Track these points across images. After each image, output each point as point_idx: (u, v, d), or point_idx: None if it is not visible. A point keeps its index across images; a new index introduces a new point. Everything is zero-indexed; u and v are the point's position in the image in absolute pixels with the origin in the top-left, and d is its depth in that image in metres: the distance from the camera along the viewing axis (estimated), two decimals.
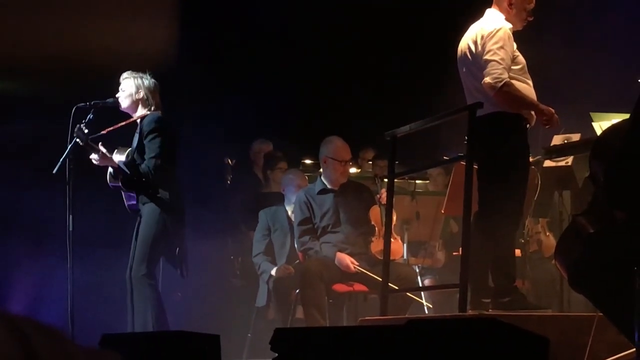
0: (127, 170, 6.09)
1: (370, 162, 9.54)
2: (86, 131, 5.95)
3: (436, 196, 7.75)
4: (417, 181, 8.16)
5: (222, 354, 3.41)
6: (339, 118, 9.36)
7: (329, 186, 7.18)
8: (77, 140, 5.92)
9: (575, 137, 6.10)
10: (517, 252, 6.43)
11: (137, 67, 6.35)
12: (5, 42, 7.95)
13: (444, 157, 7.60)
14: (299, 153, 9.51)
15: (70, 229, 5.95)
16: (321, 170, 7.34)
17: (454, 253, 7.57)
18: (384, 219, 6.30)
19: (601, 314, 3.98)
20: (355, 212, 7.10)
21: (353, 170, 8.70)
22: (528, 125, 5.48)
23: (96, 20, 8.28)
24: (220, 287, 8.37)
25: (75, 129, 5.93)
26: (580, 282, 3.91)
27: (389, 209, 5.97)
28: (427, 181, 8.64)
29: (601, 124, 5.62)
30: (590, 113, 5.69)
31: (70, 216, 5.96)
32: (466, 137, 5.27)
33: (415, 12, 9.64)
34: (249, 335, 7.69)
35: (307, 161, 9.45)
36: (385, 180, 6.32)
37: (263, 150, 9.00)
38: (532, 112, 5.44)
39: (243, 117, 8.35)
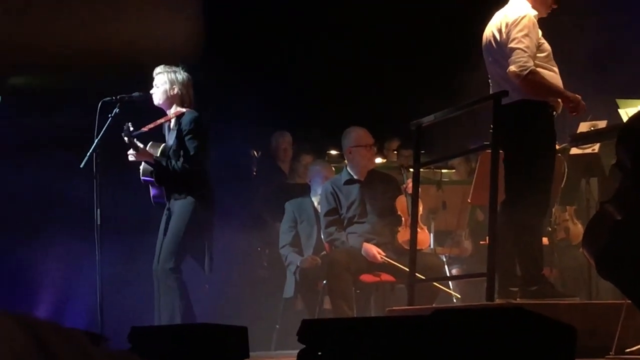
0: (166, 167, 6.09)
1: (396, 152, 9.52)
2: (132, 129, 5.95)
3: (462, 185, 7.73)
4: (443, 170, 8.14)
5: (250, 346, 3.42)
6: (364, 108, 9.35)
7: (355, 177, 7.18)
8: (125, 138, 5.93)
9: (602, 124, 6.07)
10: (545, 240, 6.41)
11: (163, 61, 6.35)
12: (32, 36, 7.99)
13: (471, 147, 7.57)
14: (324, 144, 9.50)
15: (99, 222, 5.99)
16: (346, 161, 7.35)
17: (481, 242, 7.55)
18: (410, 209, 6.30)
19: (629, 301, 3.97)
20: (381, 202, 7.10)
21: (379, 160, 8.68)
22: (555, 113, 5.44)
23: (122, 14, 8.31)
24: (248, 278, 8.38)
25: (124, 128, 5.94)
26: (608, 270, 3.90)
27: (414, 198, 5.96)
28: (453, 170, 8.61)
29: (627, 111, 5.59)
30: (617, 99, 5.65)
31: (98, 210, 5.99)
32: (491, 126, 5.26)
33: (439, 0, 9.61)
34: (277, 326, 7.71)
35: (333, 152, 9.43)
36: (411, 170, 6.31)
37: (281, 142, 9.00)
38: (559, 100, 5.41)
39: (268, 109, 8.35)
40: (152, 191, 6.38)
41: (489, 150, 5.39)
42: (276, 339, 7.66)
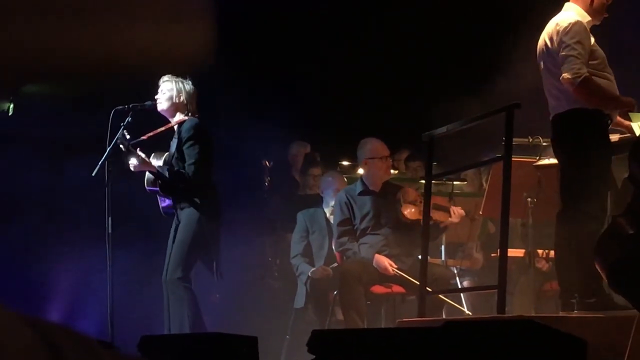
0: (167, 175, 6.12)
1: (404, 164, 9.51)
2: (128, 137, 5.99)
3: (473, 197, 7.72)
4: (455, 182, 8.13)
5: (260, 356, 3.42)
6: (376, 119, 9.35)
7: (370, 188, 7.19)
8: (120, 145, 5.96)
9: (614, 137, 6.04)
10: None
11: (175, 70, 6.38)
12: (43, 45, 8.02)
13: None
14: (336, 154, 9.51)
15: (109, 230, 6.00)
16: (361, 172, 7.35)
17: (492, 254, 7.53)
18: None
19: None
20: (394, 213, 7.09)
21: (392, 172, 8.69)
22: (609, 121, 5.38)
23: (135, 24, 8.33)
24: (258, 288, 8.38)
25: (118, 134, 5.98)
26: (619, 282, 3.88)
27: (426, 210, 5.95)
28: (465, 182, 8.60)
29: None
30: (629, 113, 5.63)
31: (110, 218, 6.01)
32: (503, 138, 5.24)
33: (445, 16, 9.61)
34: (287, 337, 7.70)
35: (345, 163, 9.44)
36: (422, 181, 6.31)
37: (301, 152, 9.02)
38: (614, 107, 5.36)
39: (280, 119, 8.36)
40: (162, 202, 6.39)
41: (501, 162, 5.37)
42: (286, 349, 7.65)
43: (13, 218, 7.94)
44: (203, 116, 6.33)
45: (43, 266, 8.02)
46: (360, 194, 7.17)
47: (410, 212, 6.98)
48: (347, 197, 7.17)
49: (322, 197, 7.93)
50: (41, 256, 7.98)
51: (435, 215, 6.87)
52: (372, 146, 7.22)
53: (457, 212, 7.03)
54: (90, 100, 7.82)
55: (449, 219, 6.98)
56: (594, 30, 5.48)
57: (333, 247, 7.29)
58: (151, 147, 6.34)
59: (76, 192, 7.52)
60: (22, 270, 7.91)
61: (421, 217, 6.95)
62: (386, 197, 7.15)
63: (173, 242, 6.16)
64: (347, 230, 7.09)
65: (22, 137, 8.13)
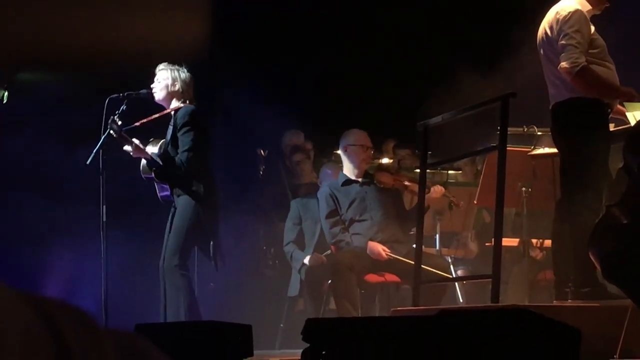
0: (160, 163, 6.13)
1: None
2: (119, 123, 5.98)
3: (468, 187, 7.73)
4: (449, 172, 8.14)
5: (254, 344, 3.43)
6: (370, 109, 9.36)
7: (352, 177, 7.21)
8: (111, 132, 5.96)
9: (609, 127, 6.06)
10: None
11: (170, 59, 6.37)
12: (38, 33, 8.00)
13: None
14: (331, 144, 9.51)
15: (104, 219, 6.00)
16: (342, 163, 7.38)
17: (487, 244, 7.54)
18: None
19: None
20: (382, 197, 7.11)
21: (385, 160, 8.69)
22: (609, 110, 5.38)
23: (129, 12, 8.32)
24: (253, 277, 8.39)
25: (109, 121, 5.97)
26: (613, 273, 3.90)
27: (421, 200, 5.96)
28: (459, 171, 8.61)
29: (635, 114, 5.57)
30: (624, 103, 5.63)
31: (104, 206, 6.00)
32: (498, 128, 5.25)
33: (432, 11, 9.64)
34: (281, 325, 7.71)
35: (339, 152, 9.44)
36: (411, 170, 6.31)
37: (294, 141, 9.01)
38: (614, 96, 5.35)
39: (274, 108, 8.35)
40: (159, 190, 6.39)
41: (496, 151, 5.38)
42: (281, 338, 7.66)
43: (4, 206, 7.94)
44: (199, 105, 6.33)
45: (37, 255, 8.01)
46: (344, 184, 7.20)
47: (385, 176, 7.04)
48: (330, 190, 7.19)
49: (318, 187, 7.92)
50: (35, 245, 7.97)
51: (413, 187, 6.87)
52: (355, 135, 7.29)
53: (436, 188, 7.03)
54: (84, 88, 7.80)
55: (428, 195, 6.96)
56: (596, 19, 5.48)
57: (327, 239, 7.26)
58: (148, 134, 6.34)
59: (70, 180, 7.51)
60: (16, 259, 7.90)
61: (395, 183, 7.01)
62: (370, 183, 7.18)
63: (170, 229, 6.16)
64: (337, 221, 7.10)
65: (20, 123, 8.12)
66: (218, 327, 3.36)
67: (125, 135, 6.00)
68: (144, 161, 6.21)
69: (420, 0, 9.63)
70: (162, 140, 6.32)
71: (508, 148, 5.29)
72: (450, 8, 9.47)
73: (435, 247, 7.57)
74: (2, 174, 7.89)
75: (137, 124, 6.17)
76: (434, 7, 9.50)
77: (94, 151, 6.00)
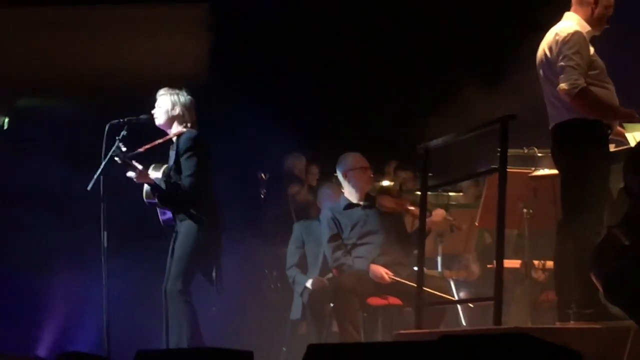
0: (163, 188, 6.13)
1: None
2: (124, 149, 5.99)
3: (470, 209, 7.72)
4: (451, 193, 8.13)
5: None
6: (370, 130, 9.39)
7: (354, 201, 7.21)
8: (116, 158, 5.97)
9: (609, 147, 6.06)
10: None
11: (170, 83, 6.40)
12: (40, 60, 8.04)
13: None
14: (332, 165, 9.52)
15: (105, 245, 5.99)
16: (343, 189, 7.37)
17: (489, 266, 7.53)
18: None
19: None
20: (384, 221, 7.10)
21: (386, 183, 8.69)
22: (609, 131, 5.37)
23: (129, 38, 8.36)
24: (255, 301, 8.38)
25: (114, 147, 5.98)
26: (615, 294, 3.89)
27: (422, 222, 5.95)
28: (461, 193, 8.61)
29: (635, 135, 5.57)
30: (623, 124, 5.64)
31: (105, 232, 6.00)
32: (498, 149, 5.24)
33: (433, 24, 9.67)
34: (284, 349, 7.69)
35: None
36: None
37: (296, 164, 9.02)
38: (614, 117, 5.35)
39: (276, 131, 8.37)
40: (162, 215, 6.39)
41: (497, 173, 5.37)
42: None
43: (7, 231, 7.94)
44: (200, 128, 6.34)
45: (39, 280, 8.01)
46: (346, 208, 7.20)
47: (387, 200, 7.04)
48: (332, 213, 7.19)
49: (319, 209, 7.92)
50: (37, 271, 7.98)
51: (415, 212, 6.87)
52: (351, 158, 7.29)
53: (437, 212, 7.04)
54: (85, 114, 7.83)
55: (429, 218, 6.95)
56: (596, 39, 5.48)
57: (329, 263, 7.25)
58: (151, 159, 6.35)
59: (71, 206, 7.51)
60: (19, 284, 7.91)
61: (397, 207, 7.01)
62: (372, 206, 7.18)
63: (172, 254, 6.16)
64: (339, 245, 7.09)
65: (16, 150, 8.14)
66: (219, 354, 3.35)
67: (129, 161, 6.00)
68: (147, 186, 6.22)
69: (421, 23, 9.66)
70: (165, 165, 6.33)
71: (509, 170, 5.28)
72: (451, 32, 9.50)
73: (437, 269, 7.56)
74: (8, 197, 7.90)
75: (141, 149, 6.17)
76: (435, 30, 9.53)
77: (95, 177, 6.00)
